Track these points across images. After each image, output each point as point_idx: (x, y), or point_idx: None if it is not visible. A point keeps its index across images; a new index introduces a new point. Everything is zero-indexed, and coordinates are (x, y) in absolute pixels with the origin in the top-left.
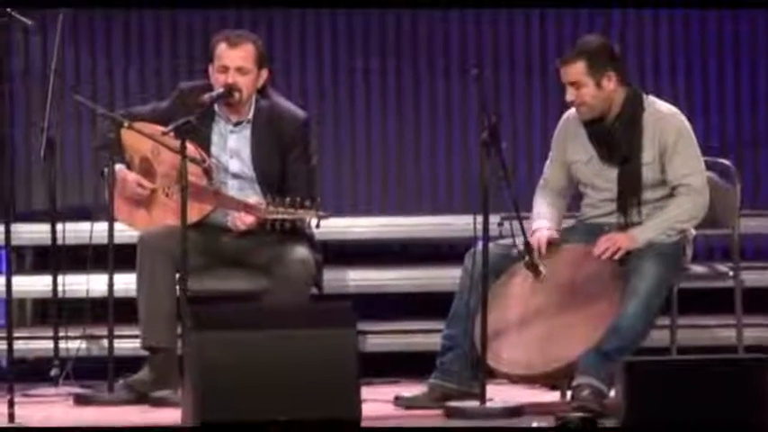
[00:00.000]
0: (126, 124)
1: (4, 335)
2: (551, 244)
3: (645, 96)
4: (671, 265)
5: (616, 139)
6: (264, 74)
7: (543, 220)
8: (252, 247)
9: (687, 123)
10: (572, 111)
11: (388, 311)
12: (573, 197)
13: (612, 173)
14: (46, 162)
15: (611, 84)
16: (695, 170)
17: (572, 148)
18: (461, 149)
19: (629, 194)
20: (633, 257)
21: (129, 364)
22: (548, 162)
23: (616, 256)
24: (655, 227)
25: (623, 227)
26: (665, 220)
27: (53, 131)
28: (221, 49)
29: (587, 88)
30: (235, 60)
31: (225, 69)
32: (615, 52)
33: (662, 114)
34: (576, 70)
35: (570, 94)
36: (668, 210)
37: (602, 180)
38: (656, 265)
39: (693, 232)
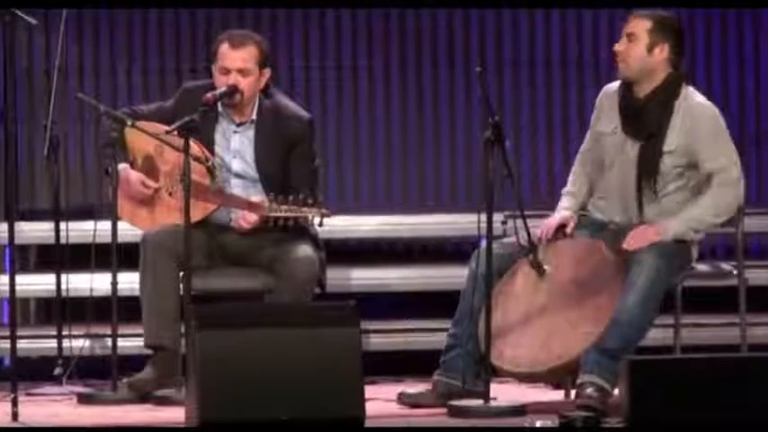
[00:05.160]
0: (130, 123)
1: (7, 334)
2: (563, 227)
3: (684, 85)
4: (671, 259)
5: (644, 112)
6: (267, 73)
7: (565, 210)
8: (255, 245)
9: (721, 116)
10: (611, 85)
11: (392, 310)
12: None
13: (632, 148)
14: (49, 161)
15: (661, 55)
16: (732, 162)
17: (603, 120)
18: (465, 148)
19: (649, 172)
20: (636, 250)
21: (132, 363)
22: (588, 133)
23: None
24: (686, 219)
25: (639, 208)
26: (700, 213)
27: (57, 130)
28: (223, 49)
29: (638, 46)
30: (236, 62)
31: (226, 71)
32: (682, 36)
33: (697, 105)
34: (641, 24)
35: (621, 45)
36: (703, 201)
37: (621, 156)
38: (656, 258)
39: (702, 234)
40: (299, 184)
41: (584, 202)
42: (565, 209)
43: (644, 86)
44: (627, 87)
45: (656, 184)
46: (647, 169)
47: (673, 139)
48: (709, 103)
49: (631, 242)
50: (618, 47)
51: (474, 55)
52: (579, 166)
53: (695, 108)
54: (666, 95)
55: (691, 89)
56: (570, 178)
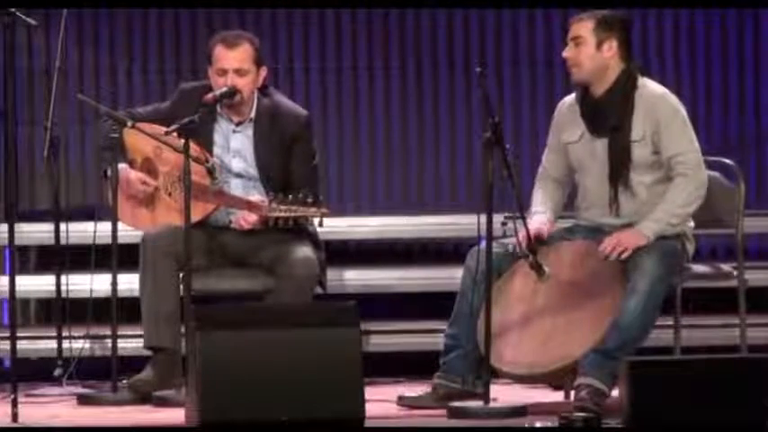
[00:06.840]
0: (130, 124)
1: (7, 334)
2: (539, 238)
3: (639, 76)
4: (671, 262)
5: (605, 109)
6: (263, 72)
7: (540, 214)
8: (255, 246)
9: (680, 104)
10: (567, 98)
11: (392, 311)
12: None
13: (603, 146)
14: (49, 162)
15: (609, 52)
16: (690, 148)
17: (567, 130)
18: (465, 148)
19: (620, 165)
20: (634, 254)
21: (132, 364)
22: (545, 150)
23: (623, 256)
24: (659, 218)
25: (616, 204)
26: (669, 208)
27: (57, 131)
28: (218, 51)
29: (586, 47)
30: (232, 62)
31: (223, 72)
32: (627, 29)
33: (655, 94)
34: (584, 27)
35: (569, 51)
36: (668, 196)
37: (594, 159)
38: (656, 262)
39: (692, 224)
40: (300, 183)
41: (556, 211)
42: (539, 220)
43: (599, 86)
44: (584, 91)
45: (628, 175)
46: (619, 160)
47: (639, 129)
48: (666, 92)
49: (608, 248)
50: (566, 53)
51: (474, 55)
52: (541, 197)
53: (653, 97)
54: (624, 89)
55: (647, 80)
56: (535, 201)
